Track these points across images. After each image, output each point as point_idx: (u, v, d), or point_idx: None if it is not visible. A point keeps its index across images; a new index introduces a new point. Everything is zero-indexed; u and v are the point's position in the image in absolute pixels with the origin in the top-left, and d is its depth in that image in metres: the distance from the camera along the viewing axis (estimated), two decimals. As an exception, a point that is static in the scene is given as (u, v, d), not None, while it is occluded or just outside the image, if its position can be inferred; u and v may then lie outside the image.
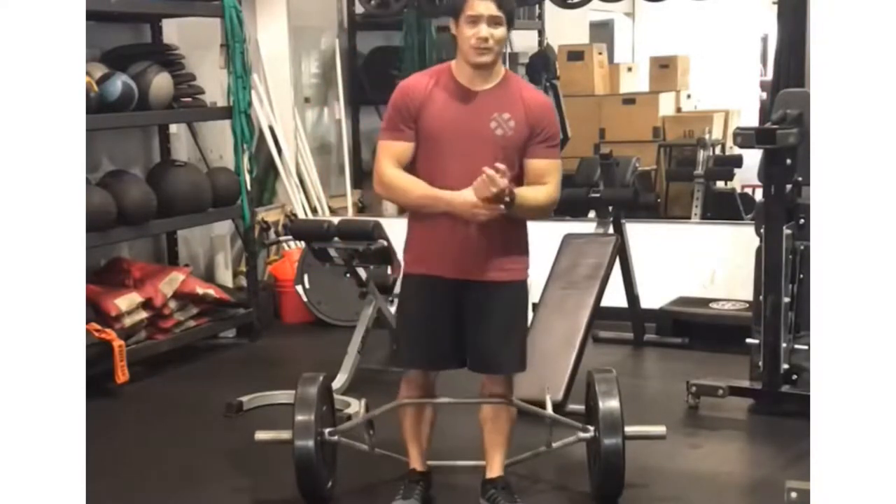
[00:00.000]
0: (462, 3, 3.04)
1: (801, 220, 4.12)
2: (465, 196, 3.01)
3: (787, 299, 4.10)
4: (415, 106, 3.11)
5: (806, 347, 4.05)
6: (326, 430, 3.41)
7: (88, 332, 4.51)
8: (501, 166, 2.97)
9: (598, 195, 5.08)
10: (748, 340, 4.25)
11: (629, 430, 3.31)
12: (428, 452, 3.42)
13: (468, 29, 3.03)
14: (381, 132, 3.20)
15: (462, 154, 3.07)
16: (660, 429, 3.46)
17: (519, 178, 3.14)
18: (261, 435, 3.48)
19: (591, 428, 3.37)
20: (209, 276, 6.02)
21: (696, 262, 5.62)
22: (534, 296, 5.16)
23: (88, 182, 4.87)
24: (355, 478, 3.61)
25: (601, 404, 3.31)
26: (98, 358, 4.51)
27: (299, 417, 3.33)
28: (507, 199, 2.98)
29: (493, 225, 3.08)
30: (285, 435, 3.36)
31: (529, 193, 3.10)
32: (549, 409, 3.40)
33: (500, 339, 3.20)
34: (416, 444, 3.39)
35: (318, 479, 3.36)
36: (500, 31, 3.04)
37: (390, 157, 3.13)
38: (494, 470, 3.34)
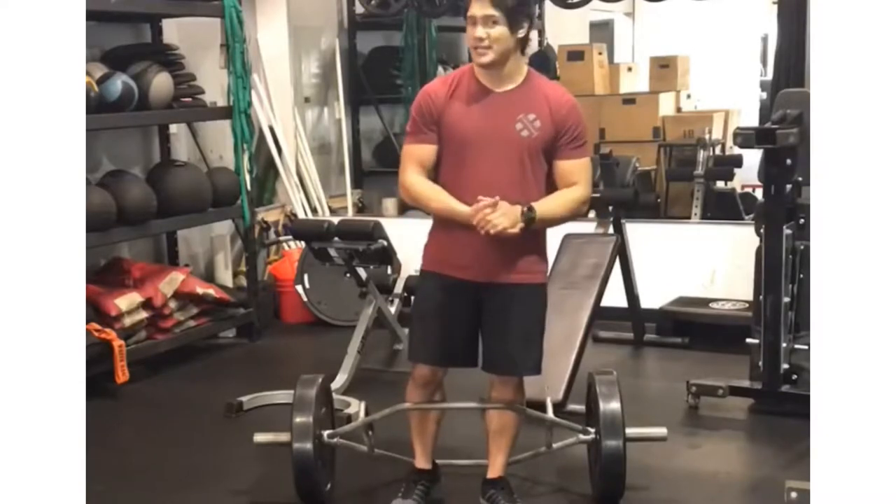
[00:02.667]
0: (465, 6, 3.07)
1: (801, 220, 4.12)
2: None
3: (787, 299, 4.10)
4: (437, 109, 3.11)
5: (806, 347, 4.05)
6: (325, 433, 3.39)
7: (88, 332, 4.51)
8: (491, 200, 2.96)
9: (598, 195, 5.08)
10: (748, 340, 4.25)
11: (630, 431, 3.30)
12: (434, 449, 3.41)
13: (469, 30, 3.05)
14: (405, 137, 3.21)
15: (487, 156, 3.07)
16: (661, 430, 3.45)
17: (543, 179, 3.14)
18: (259, 437, 3.47)
19: (592, 430, 3.36)
20: (209, 276, 6.02)
21: (696, 262, 5.62)
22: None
23: (88, 182, 4.87)
24: (354, 479, 3.61)
25: (602, 406, 3.29)
26: (98, 358, 4.51)
27: (297, 419, 3.31)
28: (524, 220, 2.99)
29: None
30: (284, 437, 3.35)
31: (550, 205, 3.09)
32: (550, 412, 3.39)
33: (520, 341, 3.19)
34: (420, 440, 3.39)
35: (316, 481, 3.34)
36: (497, 31, 3.00)
37: (414, 162, 3.15)
38: (495, 470, 3.33)
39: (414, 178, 3.13)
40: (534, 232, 3.14)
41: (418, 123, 3.15)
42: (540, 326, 3.24)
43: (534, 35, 8.10)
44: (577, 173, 3.15)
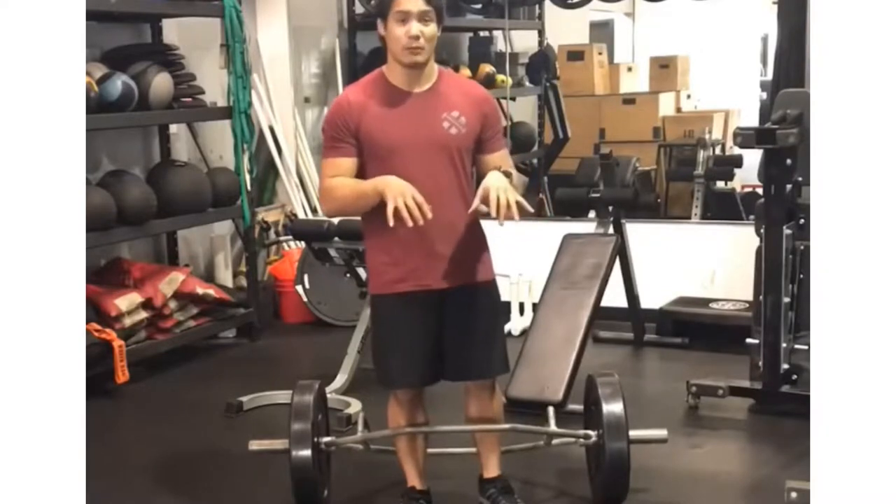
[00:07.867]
0: (389, 1, 2.91)
1: (801, 220, 4.12)
2: (394, 182, 2.86)
3: (787, 299, 4.10)
4: (353, 119, 2.98)
5: (806, 347, 4.05)
6: (323, 441, 3.35)
7: (88, 332, 4.51)
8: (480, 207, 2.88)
9: (598, 195, 5.08)
10: (748, 340, 4.25)
11: (632, 434, 3.27)
12: (425, 469, 3.34)
13: (397, 28, 2.91)
14: (322, 152, 3.11)
15: (419, 161, 2.96)
16: (661, 432, 3.41)
17: (464, 175, 3.06)
18: (255, 445, 3.39)
19: (593, 434, 3.33)
20: (209, 276, 6.02)
21: (696, 262, 5.63)
22: (534, 296, 5.19)
23: (88, 182, 4.87)
24: (352, 485, 3.60)
25: (605, 409, 3.26)
26: (98, 358, 4.51)
27: (295, 427, 3.26)
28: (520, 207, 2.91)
29: (457, 228, 3.03)
30: (280, 445, 3.29)
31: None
32: (552, 422, 3.34)
33: (487, 341, 3.13)
34: (412, 462, 3.30)
35: (314, 488, 3.29)
36: (431, 28, 2.92)
37: (331, 175, 3.02)
38: (492, 470, 3.31)
39: (327, 182, 3.01)
40: (478, 228, 3.10)
41: (334, 137, 3.01)
42: (502, 323, 3.21)
43: (534, 35, 8.17)
44: (506, 163, 3.10)
